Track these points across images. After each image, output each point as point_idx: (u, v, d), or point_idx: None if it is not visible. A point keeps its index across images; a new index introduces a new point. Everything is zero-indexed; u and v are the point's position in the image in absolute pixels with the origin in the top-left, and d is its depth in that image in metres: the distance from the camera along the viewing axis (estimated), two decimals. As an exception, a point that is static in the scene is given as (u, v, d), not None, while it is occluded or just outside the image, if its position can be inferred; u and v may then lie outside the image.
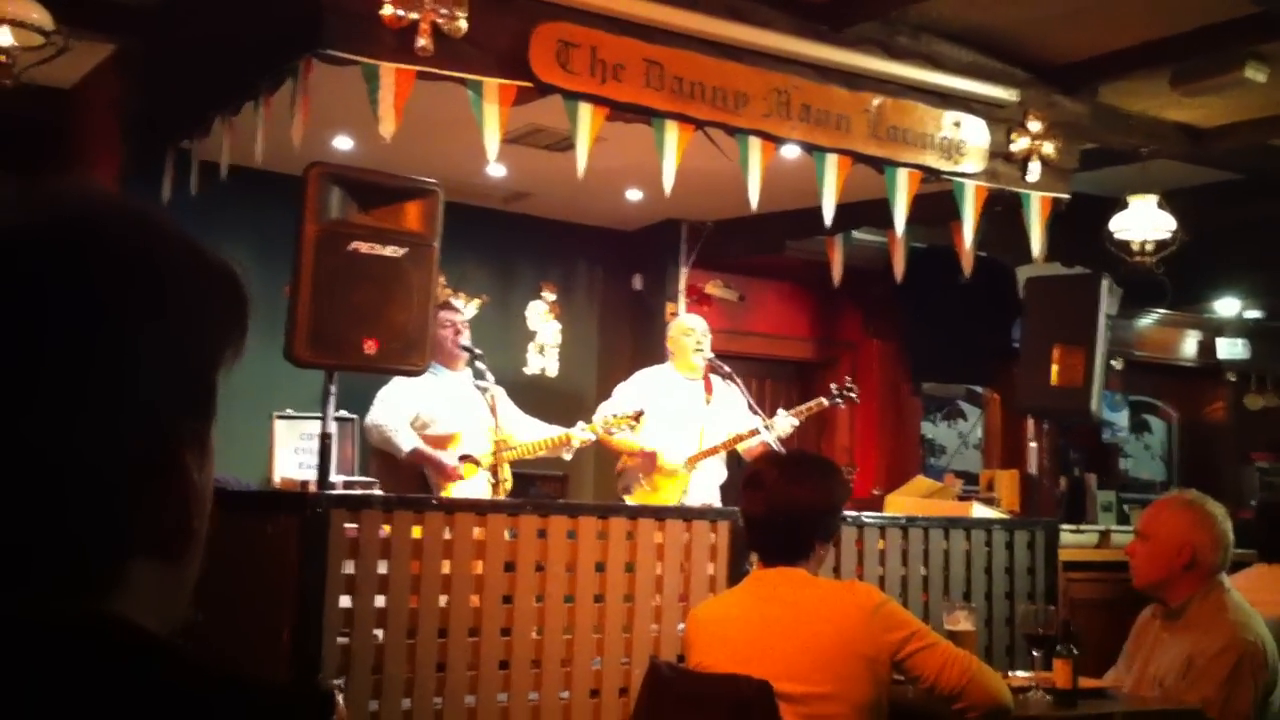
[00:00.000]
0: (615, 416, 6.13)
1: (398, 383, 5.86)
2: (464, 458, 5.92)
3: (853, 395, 6.47)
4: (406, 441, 5.82)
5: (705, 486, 6.33)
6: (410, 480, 5.72)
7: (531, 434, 6.10)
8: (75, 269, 0.77)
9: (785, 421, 6.23)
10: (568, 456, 6.28)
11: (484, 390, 6.05)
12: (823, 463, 3.57)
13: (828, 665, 3.07)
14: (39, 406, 0.74)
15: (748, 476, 3.45)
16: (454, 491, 5.80)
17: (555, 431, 6.15)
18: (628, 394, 6.47)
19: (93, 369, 0.76)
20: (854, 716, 3.07)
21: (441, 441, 5.95)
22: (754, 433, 6.22)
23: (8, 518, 0.74)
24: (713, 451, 6.35)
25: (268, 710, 0.77)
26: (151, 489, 0.80)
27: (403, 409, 5.90)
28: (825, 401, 6.43)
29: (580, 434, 6.12)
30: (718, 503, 6.25)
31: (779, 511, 3.25)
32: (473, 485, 5.91)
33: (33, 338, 0.74)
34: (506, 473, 5.80)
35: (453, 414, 6.02)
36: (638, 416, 6.15)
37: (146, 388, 0.79)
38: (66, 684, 0.70)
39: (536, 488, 6.32)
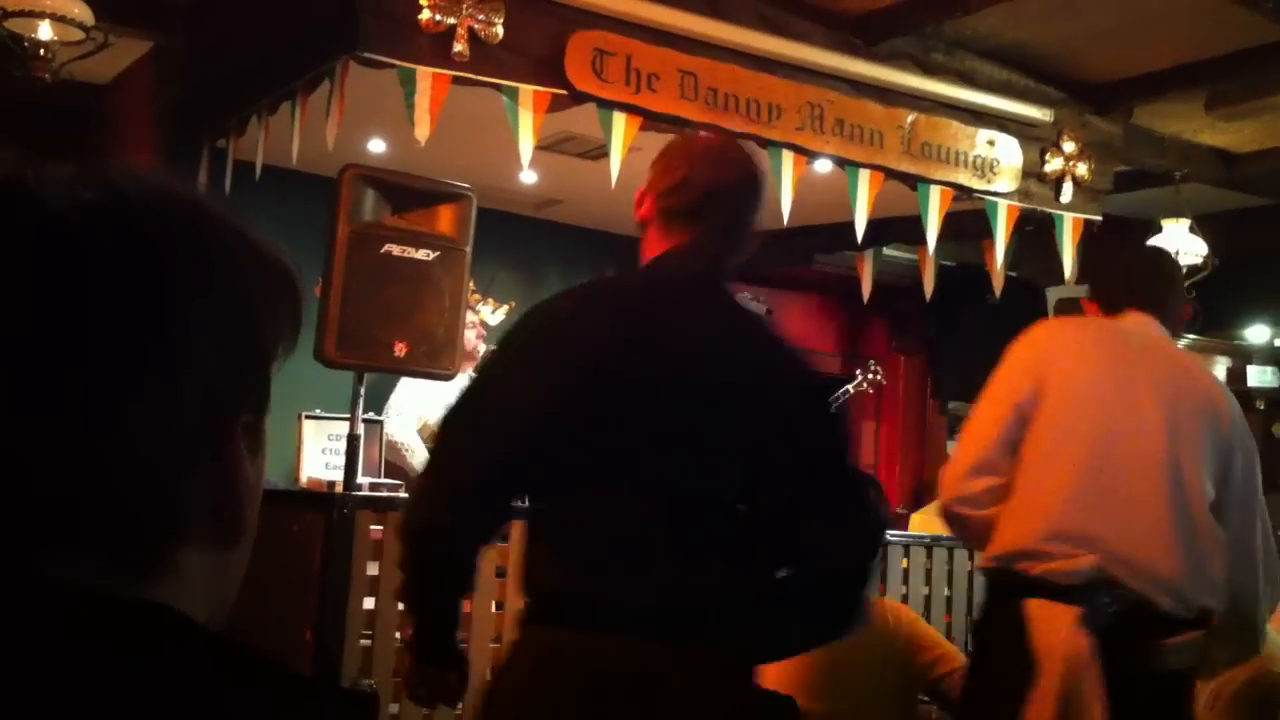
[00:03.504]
0: None
1: (404, 391, 5.87)
2: None
3: (879, 376, 6.44)
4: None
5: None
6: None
7: None
8: (130, 249, 0.77)
9: None
10: None
11: None
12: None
13: (854, 685, 3.05)
14: (90, 384, 0.74)
15: None
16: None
17: None
18: None
19: (145, 351, 0.76)
20: None
21: None
22: None
23: (57, 498, 0.74)
24: None
25: (315, 706, 0.77)
26: (204, 476, 0.80)
27: (415, 419, 5.91)
28: (851, 388, 6.41)
29: None
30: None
31: None
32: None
33: (85, 315, 0.74)
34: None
35: None
36: None
37: (200, 373, 0.79)
38: (114, 667, 0.70)
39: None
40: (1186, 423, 3.01)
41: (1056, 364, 3.03)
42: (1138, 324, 3.17)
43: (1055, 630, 2.81)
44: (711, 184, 2.40)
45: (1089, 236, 6.31)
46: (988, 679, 2.98)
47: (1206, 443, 3.03)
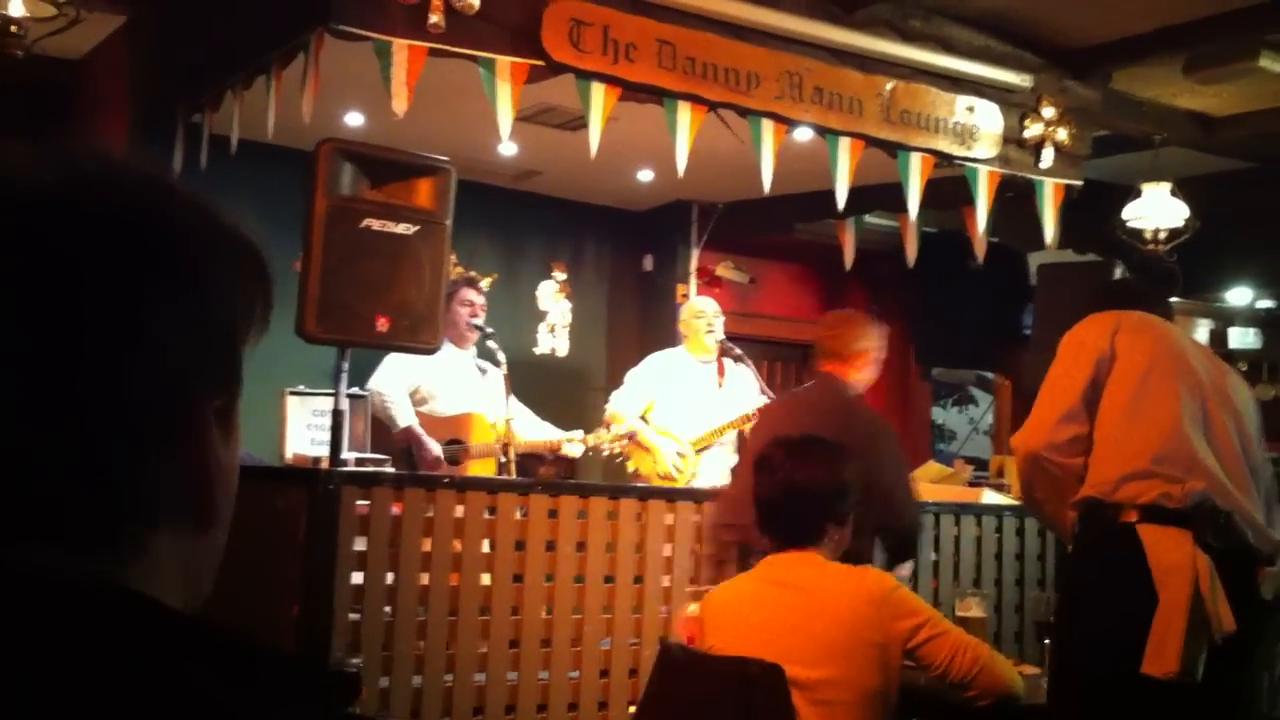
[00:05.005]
0: (607, 434, 6.19)
1: (394, 357, 5.87)
2: (451, 442, 5.91)
3: None
4: (403, 417, 5.83)
5: (714, 470, 6.32)
6: (395, 455, 5.71)
7: (524, 430, 6.06)
8: (91, 228, 0.76)
9: None
10: (548, 457, 6.30)
11: (484, 372, 6.07)
12: (832, 445, 3.47)
13: (837, 652, 3.05)
14: (56, 368, 0.73)
15: (756, 460, 3.42)
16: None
17: (547, 435, 6.17)
18: (640, 379, 6.46)
19: (111, 332, 0.75)
20: (863, 703, 3.06)
21: (443, 424, 5.95)
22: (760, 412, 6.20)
23: (25, 482, 0.73)
24: (718, 433, 6.33)
25: (291, 690, 0.76)
26: (175, 460, 0.78)
27: (404, 379, 5.92)
28: None
29: (570, 447, 6.15)
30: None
31: (785, 493, 3.23)
32: (480, 464, 5.91)
33: (47, 297, 0.73)
34: (513, 451, 5.80)
35: (451, 391, 6.02)
36: (631, 436, 6.22)
37: (168, 356, 0.77)
38: (83, 654, 0.69)
39: (545, 464, 6.32)
40: (1229, 389, 3.47)
41: (1126, 329, 3.44)
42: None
43: (1176, 550, 3.14)
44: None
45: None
46: (1099, 606, 3.26)
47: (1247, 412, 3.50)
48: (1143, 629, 3.12)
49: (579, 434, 6.16)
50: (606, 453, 6.30)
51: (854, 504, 3.30)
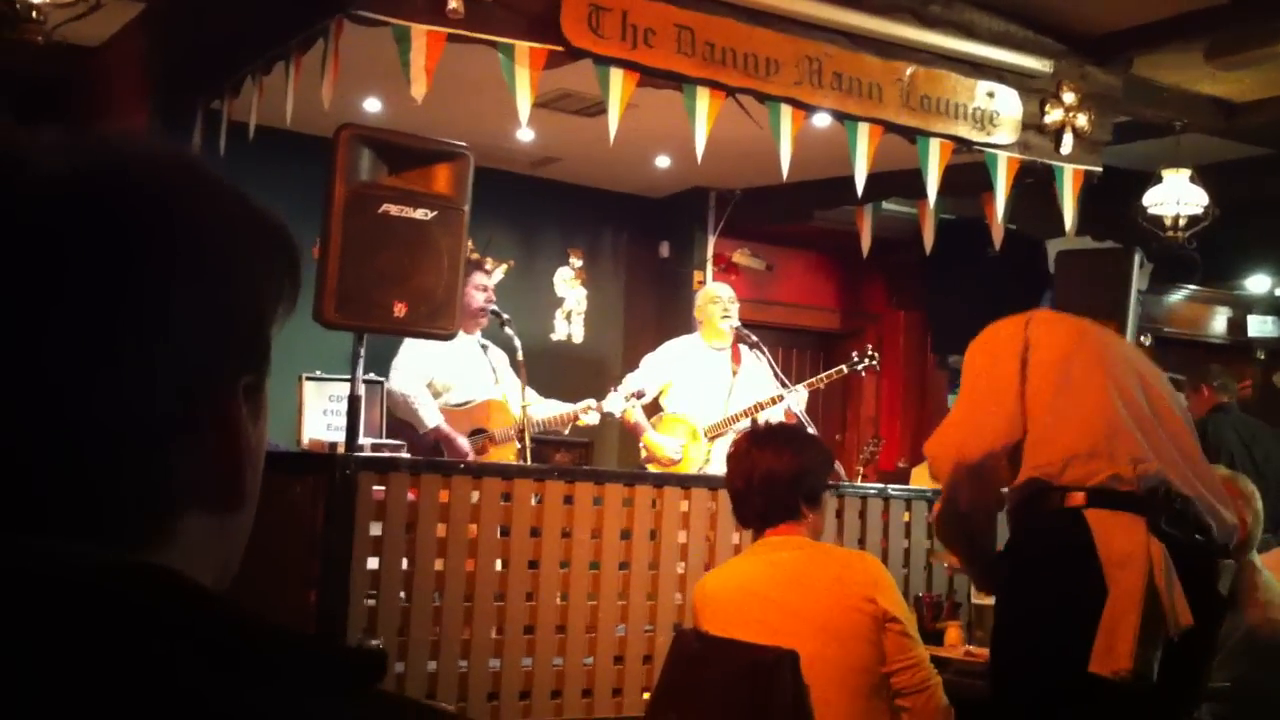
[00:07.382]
0: (618, 398, 6.18)
1: (412, 347, 5.85)
2: (476, 433, 5.91)
3: (874, 363, 6.46)
4: (430, 417, 5.79)
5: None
6: (423, 451, 5.70)
7: (538, 410, 6.06)
8: (121, 213, 0.76)
9: (800, 392, 6.23)
10: (565, 431, 6.29)
11: (485, 349, 6.06)
12: (793, 430, 3.55)
13: (830, 630, 3.05)
14: (83, 353, 0.73)
15: (729, 453, 3.45)
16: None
17: (561, 409, 6.15)
18: (655, 364, 6.45)
19: (138, 315, 0.75)
20: (854, 680, 3.04)
21: (465, 415, 5.95)
22: (774, 401, 6.20)
23: (53, 468, 0.73)
24: (733, 420, 6.33)
25: (327, 667, 0.76)
26: (203, 442, 0.79)
27: (421, 375, 5.88)
28: (845, 369, 6.42)
29: (587, 416, 6.12)
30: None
31: (750, 478, 3.25)
32: (500, 450, 5.91)
33: (75, 281, 0.73)
34: (529, 437, 5.80)
35: (466, 379, 6.01)
36: (639, 395, 6.19)
37: (196, 337, 0.78)
38: (123, 635, 0.69)
39: (561, 453, 6.31)
40: (1158, 384, 3.19)
41: (1036, 320, 3.18)
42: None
43: (1128, 537, 2.83)
44: None
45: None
46: (1043, 598, 2.97)
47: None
48: (1090, 624, 2.81)
49: (591, 402, 6.15)
50: (619, 414, 6.27)
51: (824, 484, 3.30)
